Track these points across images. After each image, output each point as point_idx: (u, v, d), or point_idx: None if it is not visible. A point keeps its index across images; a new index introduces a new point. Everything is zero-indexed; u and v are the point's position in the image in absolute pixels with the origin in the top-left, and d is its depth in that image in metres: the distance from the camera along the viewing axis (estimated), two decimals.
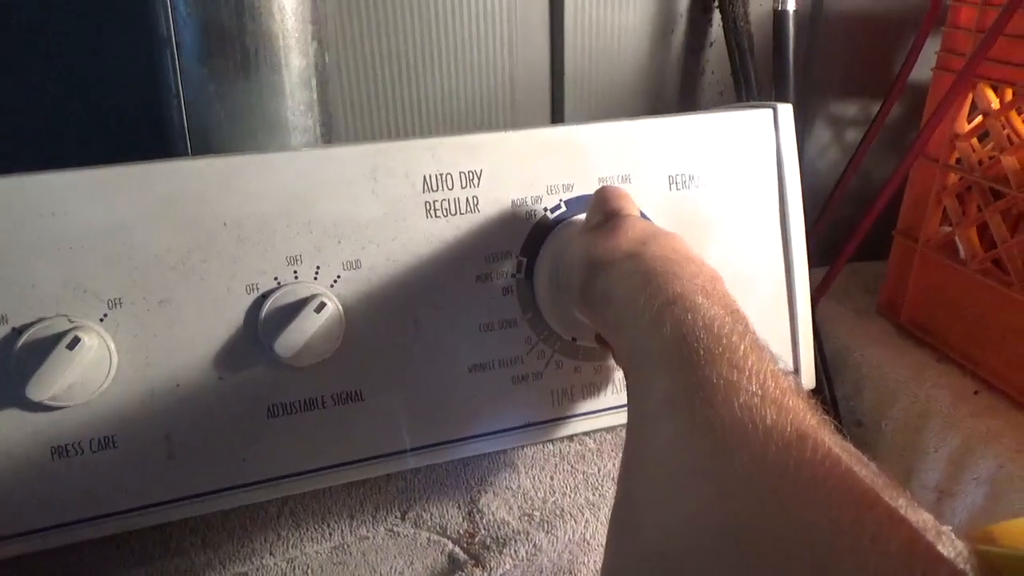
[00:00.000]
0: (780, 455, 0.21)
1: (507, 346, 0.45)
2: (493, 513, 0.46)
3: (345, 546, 0.44)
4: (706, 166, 0.48)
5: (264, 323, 0.39)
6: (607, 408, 0.48)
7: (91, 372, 0.37)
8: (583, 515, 0.45)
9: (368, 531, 0.45)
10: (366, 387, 0.42)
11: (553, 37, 0.70)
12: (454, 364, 0.44)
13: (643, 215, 0.46)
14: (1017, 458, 0.56)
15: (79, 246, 0.37)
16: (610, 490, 0.48)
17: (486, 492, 0.47)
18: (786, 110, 0.50)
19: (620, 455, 0.30)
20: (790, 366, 0.51)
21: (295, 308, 0.39)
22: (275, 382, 0.41)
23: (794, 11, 0.69)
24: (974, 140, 0.65)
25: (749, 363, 0.26)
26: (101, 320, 0.38)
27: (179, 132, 0.50)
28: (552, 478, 0.49)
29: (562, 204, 0.45)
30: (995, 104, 0.61)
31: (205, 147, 0.50)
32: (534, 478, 0.49)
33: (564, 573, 0.42)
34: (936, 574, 0.18)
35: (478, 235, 0.44)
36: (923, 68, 0.70)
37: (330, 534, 0.45)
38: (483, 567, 0.42)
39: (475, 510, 0.46)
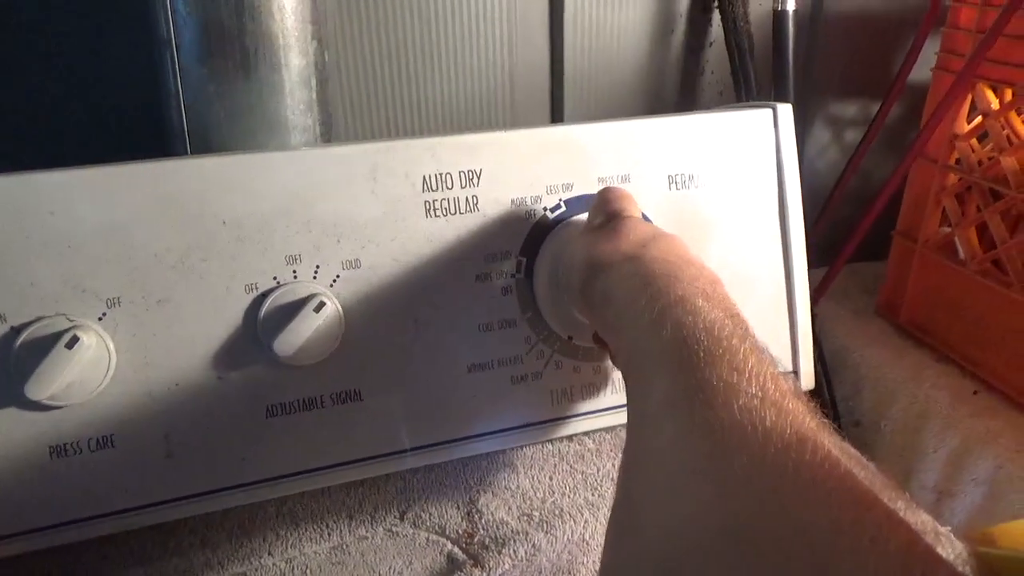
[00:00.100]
0: (779, 456, 0.21)
1: (506, 346, 0.45)
2: (492, 513, 0.46)
3: (344, 546, 0.44)
4: (706, 166, 0.48)
5: (263, 322, 0.39)
6: (606, 408, 0.48)
7: (90, 371, 0.37)
8: (582, 515, 0.45)
9: (367, 531, 0.45)
10: (365, 387, 0.42)
11: (553, 37, 0.70)
12: (453, 364, 0.44)
13: (645, 217, 0.46)
14: (1016, 458, 0.56)
15: (78, 245, 0.37)
16: (609, 490, 0.48)
17: (485, 492, 0.47)
18: (786, 110, 0.50)
19: (619, 455, 0.30)
20: (789, 366, 0.51)
21: (294, 308, 0.39)
22: (274, 382, 0.41)
23: (794, 11, 0.69)
24: (973, 140, 0.65)
25: (749, 366, 0.26)
26: (100, 319, 0.38)
27: (179, 132, 0.50)
28: (551, 478, 0.49)
29: (562, 204, 0.45)
30: (995, 104, 0.61)
31: (205, 147, 0.50)
32: (533, 478, 0.49)
33: (563, 573, 0.42)
34: (935, 575, 0.18)
35: (478, 235, 0.44)
36: (923, 68, 0.71)
37: (329, 534, 0.44)
38: (482, 567, 0.42)
39: (474, 510, 0.46)
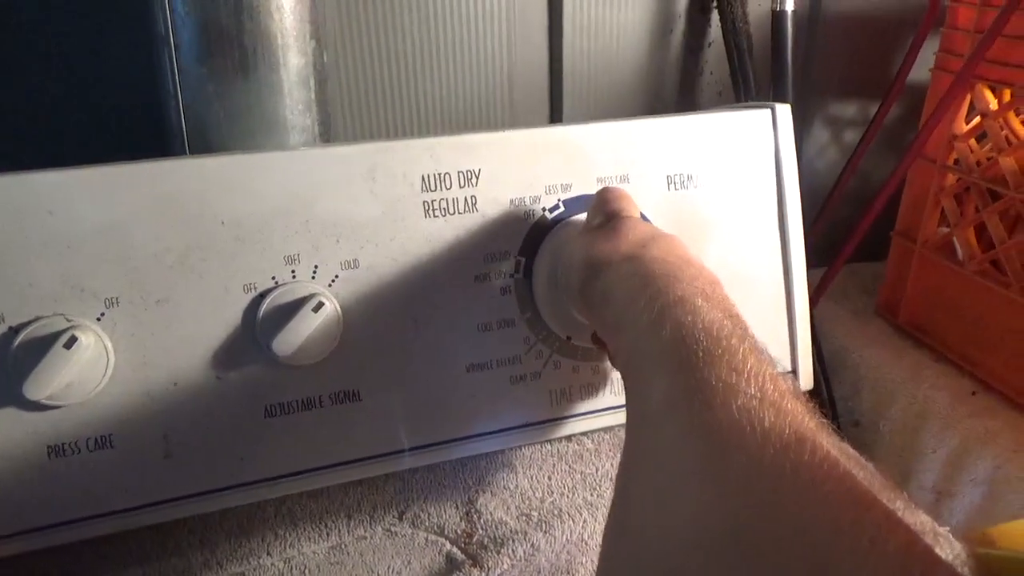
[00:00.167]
0: (778, 457, 0.21)
1: (505, 346, 0.45)
2: (491, 513, 0.46)
3: (343, 546, 0.44)
4: (704, 166, 0.48)
5: (262, 322, 0.39)
6: (605, 408, 0.48)
7: (88, 371, 0.37)
8: (581, 515, 0.45)
9: (366, 531, 0.45)
10: (364, 387, 0.42)
11: (552, 37, 0.70)
12: (452, 364, 0.44)
13: (643, 216, 0.46)
14: (1015, 459, 0.56)
15: (77, 245, 0.37)
16: (608, 490, 0.48)
17: (484, 492, 0.47)
18: (784, 110, 0.50)
19: (618, 455, 0.30)
20: (788, 366, 0.51)
21: (293, 307, 0.39)
22: (273, 382, 0.41)
23: (792, 11, 0.69)
24: (972, 141, 0.65)
25: (748, 366, 0.26)
26: (98, 319, 0.38)
27: (177, 131, 0.50)
28: (550, 478, 0.49)
29: (560, 204, 0.45)
30: (993, 105, 0.61)
31: (203, 146, 0.50)
32: (532, 478, 0.49)
33: (562, 573, 0.42)
34: (934, 575, 0.18)
35: (477, 235, 0.44)
36: (921, 69, 0.71)
37: (327, 534, 0.44)
38: (481, 567, 0.42)
39: (473, 510, 0.46)
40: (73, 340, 0.36)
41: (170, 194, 0.38)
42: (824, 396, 0.70)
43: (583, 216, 0.45)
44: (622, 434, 0.32)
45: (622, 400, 0.46)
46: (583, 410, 0.47)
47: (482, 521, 0.45)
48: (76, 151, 0.62)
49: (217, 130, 0.50)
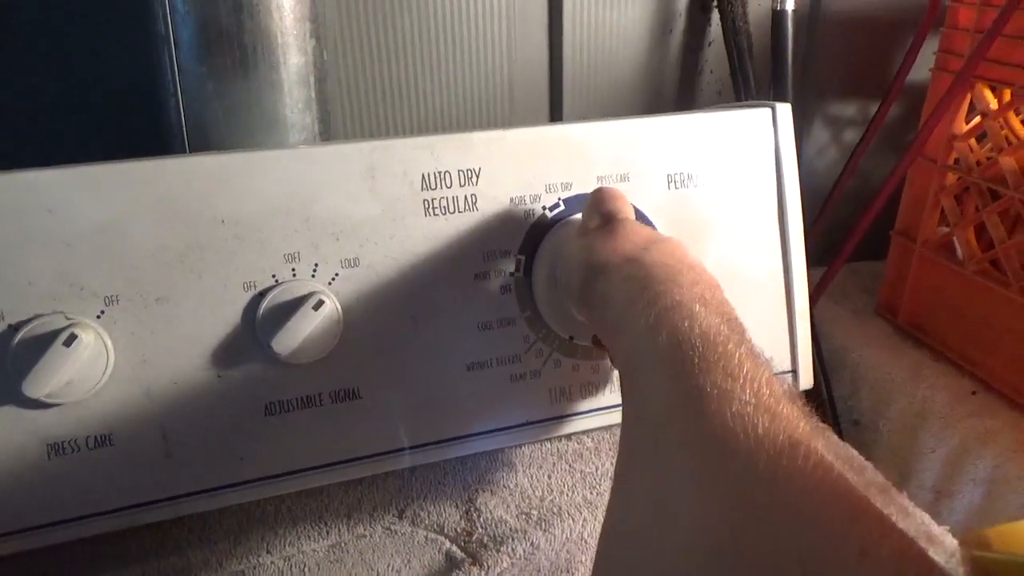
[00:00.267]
0: (771, 465, 0.22)
1: (505, 344, 0.45)
2: (491, 512, 0.46)
3: (342, 544, 0.44)
4: (704, 165, 0.48)
5: (262, 321, 0.39)
6: (605, 407, 0.48)
7: (88, 369, 0.37)
8: (581, 514, 0.45)
9: (365, 529, 0.45)
10: (364, 385, 0.42)
11: (552, 36, 0.70)
12: (452, 362, 0.44)
13: (640, 214, 0.46)
14: (1014, 458, 0.56)
15: (76, 243, 0.37)
16: (607, 489, 0.48)
17: (484, 491, 0.47)
18: (785, 109, 0.50)
19: (617, 455, 0.30)
20: (788, 365, 0.51)
21: (293, 306, 0.39)
22: (273, 380, 0.41)
23: (792, 11, 0.69)
24: (972, 141, 0.65)
25: (744, 371, 0.26)
26: (98, 317, 0.38)
27: (177, 130, 0.50)
28: (550, 477, 0.49)
29: (561, 203, 0.45)
30: (993, 105, 0.61)
31: (203, 145, 0.50)
32: (532, 477, 0.49)
33: (562, 572, 0.42)
34: None
35: (476, 233, 0.44)
36: (921, 68, 0.71)
37: (327, 532, 0.44)
38: (480, 566, 0.42)
39: (473, 509, 0.46)
40: (73, 338, 0.36)
41: (170, 192, 0.38)
42: (824, 395, 0.70)
43: (581, 215, 0.44)
44: None
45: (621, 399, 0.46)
46: (583, 409, 0.47)
47: (482, 519, 0.45)
48: (76, 151, 0.62)
49: (217, 128, 0.50)
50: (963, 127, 0.65)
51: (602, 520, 0.45)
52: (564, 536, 0.44)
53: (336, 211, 0.41)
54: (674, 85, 0.76)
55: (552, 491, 0.48)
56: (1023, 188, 0.57)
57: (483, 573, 0.41)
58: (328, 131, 0.55)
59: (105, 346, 0.38)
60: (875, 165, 0.82)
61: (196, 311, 0.39)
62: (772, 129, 0.50)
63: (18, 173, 0.37)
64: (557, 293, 0.43)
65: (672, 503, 0.23)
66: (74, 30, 0.59)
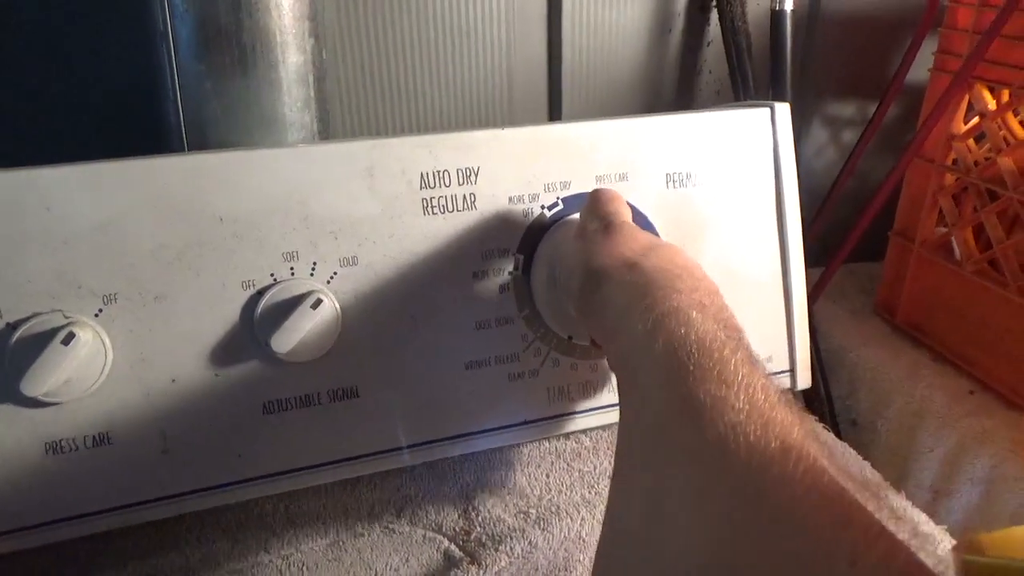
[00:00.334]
0: (762, 472, 0.22)
1: (503, 343, 0.45)
2: (489, 511, 0.46)
3: (340, 543, 0.44)
4: (703, 165, 0.48)
5: (260, 319, 0.39)
6: (603, 406, 0.48)
7: (86, 368, 0.37)
8: (579, 513, 0.45)
9: (364, 528, 0.45)
10: (362, 384, 0.42)
11: (551, 35, 0.70)
12: (450, 361, 0.44)
13: (639, 213, 0.46)
14: (1012, 458, 0.56)
15: (74, 241, 0.37)
16: (605, 487, 0.48)
17: (482, 490, 0.47)
18: (783, 109, 0.50)
19: (614, 461, 0.30)
20: (786, 365, 0.51)
21: (291, 304, 0.39)
22: (271, 378, 0.41)
23: (791, 11, 0.69)
24: (970, 141, 0.65)
25: (739, 377, 0.26)
26: (96, 315, 0.38)
27: (175, 128, 0.50)
28: (548, 476, 0.49)
29: (559, 202, 0.45)
30: (991, 105, 0.62)
31: (202, 143, 0.50)
32: (530, 476, 0.49)
33: (560, 570, 0.42)
34: None
35: (475, 232, 0.44)
36: (920, 69, 0.71)
37: (325, 531, 0.44)
38: (479, 564, 0.42)
39: (471, 507, 0.46)
40: (71, 336, 0.36)
41: (168, 191, 0.38)
42: (822, 395, 0.70)
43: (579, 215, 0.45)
44: None
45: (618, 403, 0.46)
46: (581, 408, 0.47)
47: (480, 518, 0.45)
48: (76, 151, 0.62)
49: (215, 127, 0.50)
50: (961, 127, 0.65)
51: (600, 519, 0.45)
52: (562, 535, 0.44)
53: (335, 210, 0.41)
54: (673, 85, 0.76)
55: (550, 490, 0.48)
56: (1021, 188, 0.57)
57: (481, 572, 0.41)
58: (327, 130, 0.55)
59: (103, 345, 0.38)
60: (873, 165, 0.82)
61: (194, 309, 0.39)
62: (771, 129, 0.50)
63: (16, 171, 0.37)
64: (556, 293, 0.43)
65: (667, 514, 0.24)
66: (74, 30, 0.59)
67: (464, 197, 0.43)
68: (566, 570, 0.42)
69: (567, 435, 0.52)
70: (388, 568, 0.42)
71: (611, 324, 0.33)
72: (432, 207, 0.43)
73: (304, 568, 0.42)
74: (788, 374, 0.52)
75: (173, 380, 0.39)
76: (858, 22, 0.78)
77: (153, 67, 0.50)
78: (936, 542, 0.45)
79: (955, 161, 0.65)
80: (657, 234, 0.47)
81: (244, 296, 0.40)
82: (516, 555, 0.42)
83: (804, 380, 0.52)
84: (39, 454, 0.38)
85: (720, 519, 0.22)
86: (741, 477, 0.22)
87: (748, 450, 0.22)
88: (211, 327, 0.40)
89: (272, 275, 0.40)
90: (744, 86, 0.70)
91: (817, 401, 0.70)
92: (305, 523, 0.45)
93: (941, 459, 0.61)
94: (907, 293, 0.71)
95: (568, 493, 0.47)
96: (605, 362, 0.47)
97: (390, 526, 0.45)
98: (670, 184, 0.48)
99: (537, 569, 0.42)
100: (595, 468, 0.49)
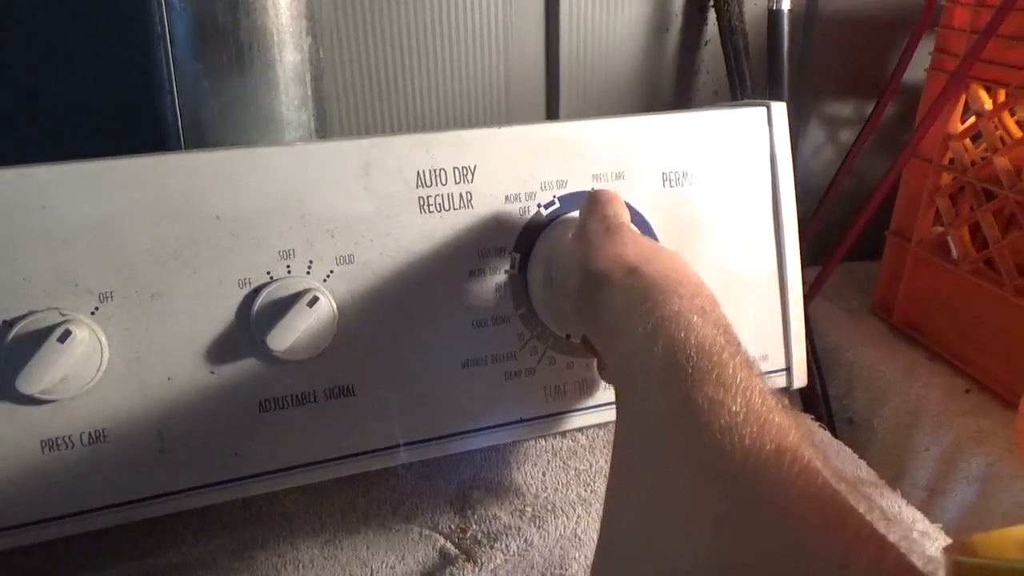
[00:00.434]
0: (756, 475, 0.22)
1: (500, 342, 0.45)
2: (485, 508, 0.46)
3: (337, 541, 0.44)
4: (700, 164, 0.48)
5: (256, 317, 0.39)
6: (600, 404, 0.48)
7: (82, 365, 0.37)
8: (575, 511, 0.45)
9: (360, 526, 0.45)
10: (358, 382, 0.43)
11: (548, 34, 0.70)
12: (447, 359, 0.44)
13: (636, 212, 0.46)
14: (1007, 457, 0.56)
15: (70, 239, 0.37)
16: (602, 486, 0.48)
17: (478, 488, 0.48)
18: (780, 108, 0.50)
19: (611, 462, 0.30)
20: (782, 364, 0.52)
21: (288, 302, 0.39)
22: (267, 376, 0.41)
23: (789, 10, 0.70)
24: (967, 140, 0.65)
25: (738, 380, 0.26)
26: (92, 313, 0.38)
27: (172, 127, 0.50)
28: (544, 474, 0.49)
29: (556, 200, 0.45)
30: (988, 105, 0.62)
31: (199, 142, 0.50)
32: (526, 474, 0.49)
33: (555, 568, 0.42)
34: None
35: (471, 231, 0.44)
36: (917, 68, 0.71)
37: (321, 529, 0.44)
38: (474, 562, 0.42)
39: (467, 505, 0.46)
40: (67, 334, 0.36)
41: (165, 189, 0.38)
42: (819, 394, 0.71)
43: (577, 213, 0.45)
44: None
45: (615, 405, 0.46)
46: (577, 406, 0.47)
47: (476, 516, 0.45)
48: (76, 151, 0.62)
49: (212, 126, 0.50)
50: (958, 127, 0.65)
51: (596, 516, 0.45)
52: (558, 533, 0.44)
53: (331, 208, 0.41)
54: (671, 84, 0.76)
55: (546, 488, 0.48)
56: (1017, 188, 0.58)
57: (477, 569, 0.42)
58: (324, 129, 0.55)
59: (99, 342, 0.38)
60: (871, 165, 0.82)
61: (191, 308, 0.39)
62: (767, 128, 0.50)
63: (12, 169, 0.37)
64: (553, 293, 0.44)
65: (665, 515, 0.24)
66: (74, 30, 0.59)
67: (460, 195, 0.43)
68: (562, 567, 0.42)
69: (563, 433, 0.52)
70: (384, 566, 0.42)
71: (610, 327, 0.34)
72: (428, 205, 0.43)
73: (300, 566, 0.42)
74: (784, 372, 0.52)
75: (169, 378, 0.39)
76: (855, 22, 0.78)
77: (151, 66, 0.50)
78: (933, 539, 0.46)
79: (952, 161, 0.65)
80: (654, 232, 0.47)
81: (240, 294, 0.40)
82: (512, 553, 0.43)
83: (800, 379, 0.52)
84: (35, 452, 0.38)
85: (716, 521, 0.22)
86: (736, 479, 0.22)
87: (743, 453, 0.23)
88: (207, 325, 0.40)
89: (269, 273, 0.40)
90: (741, 86, 0.70)
91: (814, 400, 0.70)
92: (301, 521, 0.45)
93: (937, 458, 0.61)
94: (904, 292, 0.71)
95: (564, 491, 0.47)
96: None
97: (386, 524, 0.45)
98: (666, 183, 0.48)
99: (533, 567, 0.42)
100: (591, 466, 0.50)
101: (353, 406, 0.43)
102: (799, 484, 0.21)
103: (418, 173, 0.42)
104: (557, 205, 0.45)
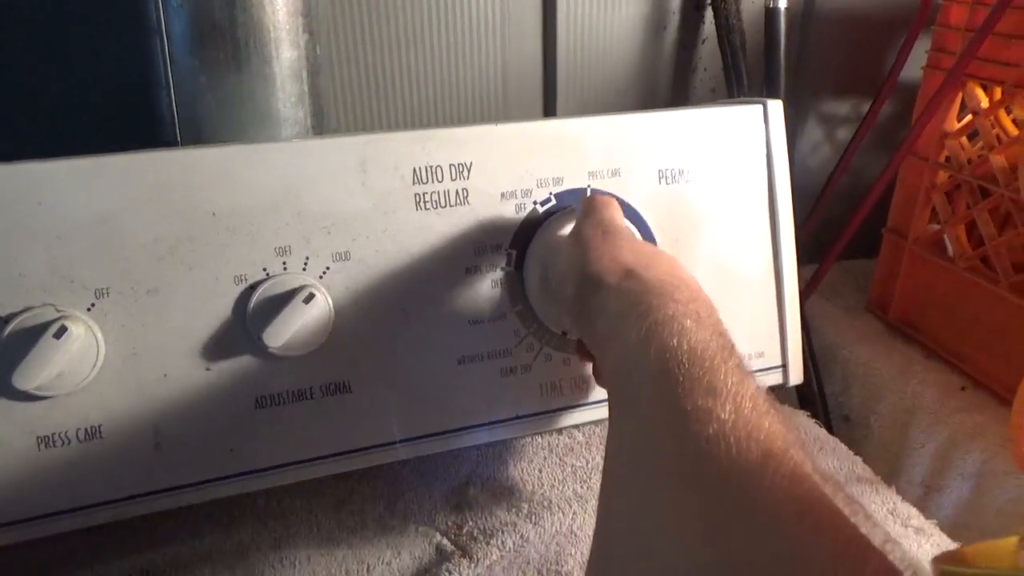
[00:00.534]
0: (741, 483, 0.22)
1: (496, 338, 0.45)
2: (481, 505, 0.46)
3: (333, 537, 0.44)
4: (696, 161, 0.48)
5: (253, 314, 0.39)
6: (596, 401, 0.48)
7: (78, 362, 0.37)
8: (571, 507, 0.45)
9: (356, 522, 0.45)
10: (355, 379, 0.43)
11: (546, 32, 0.70)
12: (443, 356, 0.44)
13: (632, 209, 0.46)
14: (1002, 453, 0.56)
15: (67, 235, 0.37)
16: (597, 482, 0.48)
17: (474, 484, 0.48)
18: (776, 106, 0.50)
19: (603, 468, 0.30)
20: (778, 361, 0.52)
21: (284, 299, 0.39)
22: (263, 373, 0.41)
23: (785, 8, 0.70)
24: (963, 138, 0.65)
25: (728, 386, 0.26)
26: (88, 309, 0.38)
27: (169, 123, 0.50)
28: (540, 470, 0.49)
29: (552, 197, 0.45)
30: (984, 103, 0.62)
31: (195, 138, 0.50)
32: (522, 470, 0.49)
33: (551, 564, 0.42)
34: None
35: (468, 228, 0.44)
36: (913, 67, 0.71)
37: (318, 526, 0.45)
38: (470, 558, 0.42)
39: (463, 502, 0.46)
40: (63, 330, 0.36)
41: (161, 185, 0.38)
42: (815, 391, 0.71)
43: (574, 211, 0.45)
44: None
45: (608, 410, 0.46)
46: (573, 403, 0.47)
47: (472, 513, 0.45)
48: (75, 150, 0.62)
49: (209, 122, 0.50)
50: (954, 125, 0.65)
51: (592, 513, 0.45)
52: (554, 529, 0.44)
53: (328, 204, 0.41)
54: (668, 82, 0.76)
55: (542, 485, 0.48)
56: (1013, 186, 0.58)
57: (473, 566, 0.42)
58: (321, 125, 0.55)
59: (95, 339, 0.38)
60: (867, 162, 0.82)
61: (187, 304, 0.39)
62: (763, 125, 0.50)
63: (9, 165, 0.37)
64: (550, 292, 0.44)
65: (655, 520, 0.24)
66: (74, 30, 0.59)
67: (457, 192, 0.43)
68: (557, 564, 0.42)
69: (559, 430, 0.52)
70: (380, 562, 0.42)
71: (604, 331, 0.33)
72: (425, 202, 0.43)
73: (297, 562, 0.42)
74: (780, 370, 0.52)
75: (165, 374, 0.39)
76: (852, 20, 0.78)
77: (149, 64, 0.50)
78: (928, 535, 0.46)
79: (948, 158, 0.65)
80: (650, 229, 0.47)
81: (237, 291, 0.40)
82: (508, 549, 0.43)
83: (796, 376, 0.52)
84: (31, 448, 0.38)
85: (707, 529, 0.22)
86: (724, 488, 0.23)
87: (730, 460, 0.23)
88: (203, 322, 0.40)
89: (265, 270, 0.40)
90: (738, 84, 0.70)
91: (810, 397, 0.70)
92: (297, 517, 0.45)
93: (932, 454, 0.61)
94: (900, 290, 0.72)
95: (560, 488, 0.48)
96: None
97: (382, 520, 0.45)
98: (663, 180, 0.48)
99: (529, 563, 0.42)
100: (587, 463, 0.50)
101: (349, 403, 0.43)
102: (785, 489, 0.22)
103: (414, 170, 0.42)
104: (553, 202, 0.45)
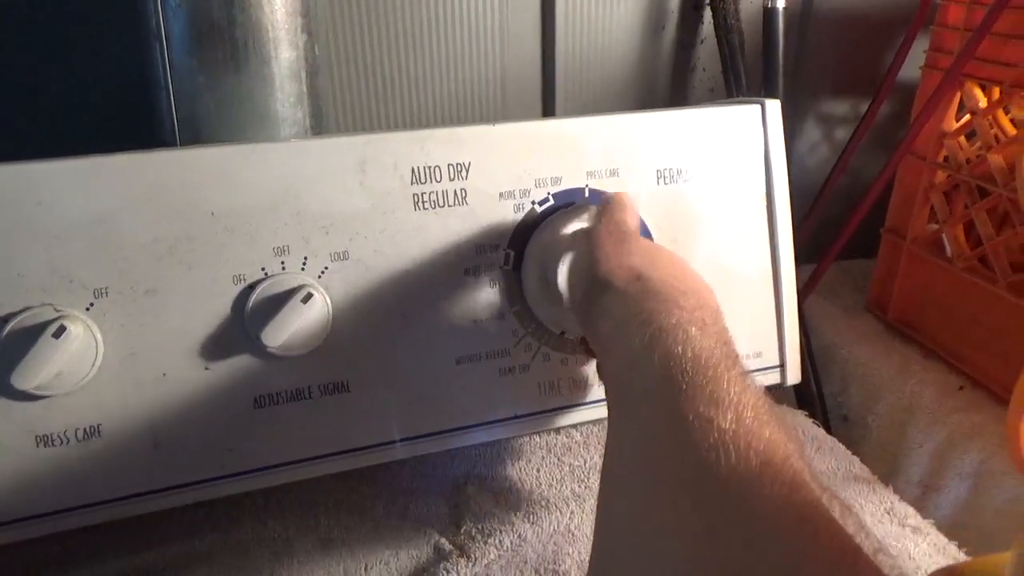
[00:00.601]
0: (739, 492, 0.23)
1: (494, 338, 0.45)
2: (479, 504, 0.46)
3: (331, 537, 0.44)
4: (694, 161, 0.48)
5: (251, 313, 0.40)
6: (594, 401, 0.48)
7: (77, 361, 0.37)
8: (568, 507, 0.46)
9: (354, 522, 0.45)
10: (353, 378, 0.43)
11: (544, 32, 0.70)
12: (441, 356, 0.44)
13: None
14: (1000, 453, 0.56)
15: (66, 235, 0.37)
16: (595, 482, 0.48)
17: (472, 483, 0.48)
18: (774, 106, 0.50)
19: (601, 472, 0.31)
20: (776, 361, 0.52)
21: (282, 299, 0.39)
22: (262, 373, 0.41)
23: (784, 8, 0.70)
24: (961, 138, 0.65)
25: (731, 395, 0.26)
26: (87, 309, 0.38)
27: (168, 124, 0.50)
28: (538, 470, 0.49)
29: (550, 197, 0.45)
30: (982, 102, 0.62)
31: (194, 138, 0.50)
32: (520, 470, 0.49)
33: (548, 563, 0.42)
34: None
35: (466, 228, 0.44)
36: (912, 66, 0.71)
37: (316, 525, 0.45)
38: (468, 557, 0.42)
39: (461, 501, 0.46)
40: (62, 330, 0.36)
41: (160, 185, 0.39)
42: (813, 391, 0.71)
43: (574, 210, 0.45)
44: None
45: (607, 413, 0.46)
46: (571, 403, 0.47)
47: (470, 512, 0.45)
48: (75, 150, 0.62)
49: (208, 123, 0.50)
50: (952, 125, 0.65)
51: (590, 513, 0.45)
52: (551, 528, 0.44)
53: (326, 204, 0.41)
54: (666, 82, 0.76)
55: (540, 484, 0.48)
56: (1011, 186, 0.58)
57: (471, 565, 0.42)
58: (320, 126, 0.55)
59: (94, 338, 0.38)
60: (866, 162, 0.82)
61: (185, 304, 0.39)
62: (761, 125, 0.50)
63: (8, 165, 0.37)
64: (548, 292, 0.44)
65: (653, 525, 0.24)
66: (74, 30, 0.59)
67: (455, 192, 0.44)
68: (555, 563, 0.42)
69: (557, 430, 0.52)
70: (378, 561, 0.42)
71: (609, 333, 0.33)
72: (423, 202, 0.43)
73: (295, 561, 0.42)
74: (778, 369, 0.52)
75: (164, 374, 0.39)
76: (850, 20, 0.79)
77: (148, 64, 0.50)
78: (925, 535, 0.46)
79: (946, 158, 0.65)
80: (648, 230, 0.47)
81: (235, 290, 0.40)
82: (505, 548, 0.43)
83: (794, 376, 0.52)
84: (30, 447, 0.38)
85: (702, 533, 0.22)
86: (721, 494, 0.23)
87: (729, 469, 0.23)
88: (202, 321, 0.40)
89: (263, 269, 0.40)
90: (737, 84, 0.71)
91: (809, 397, 0.70)
92: (296, 517, 0.45)
93: (930, 454, 0.61)
94: (898, 290, 0.72)
95: (558, 487, 0.48)
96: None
97: (380, 520, 0.45)
98: (661, 180, 0.48)
99: (526, 562, 0.42)
100: (585, 463, 0.50)
101: (348, 402, 0.43)
102: (783, 497, 0.22)
103: (413, 170, 0.43)
104: (551, 202, 0.45)
